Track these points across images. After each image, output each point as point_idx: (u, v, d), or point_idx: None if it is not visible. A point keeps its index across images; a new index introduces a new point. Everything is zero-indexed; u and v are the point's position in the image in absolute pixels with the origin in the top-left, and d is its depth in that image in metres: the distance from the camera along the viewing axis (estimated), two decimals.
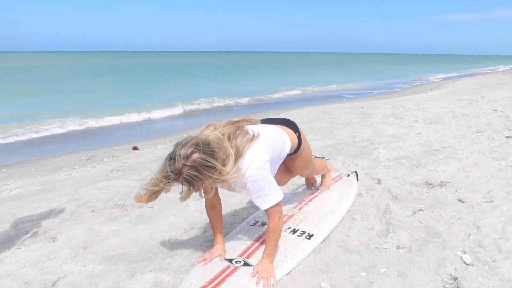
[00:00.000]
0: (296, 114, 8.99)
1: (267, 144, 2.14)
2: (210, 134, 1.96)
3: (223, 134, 1.96)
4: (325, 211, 2.93)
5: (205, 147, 1.83)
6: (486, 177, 3.81)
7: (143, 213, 3.18)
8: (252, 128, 2.16)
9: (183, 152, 1.81)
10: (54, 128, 9.08)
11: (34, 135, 8.44)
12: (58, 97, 14.88)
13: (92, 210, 3.28)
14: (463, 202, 3.19)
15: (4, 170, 5.69)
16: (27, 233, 2.83)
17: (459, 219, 2.88)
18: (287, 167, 2.71)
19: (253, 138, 2.07)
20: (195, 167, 1.80)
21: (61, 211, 3.30)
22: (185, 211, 3.18)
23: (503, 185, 3.56)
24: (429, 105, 9.29)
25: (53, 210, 3.32)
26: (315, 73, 31.80)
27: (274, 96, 15.95)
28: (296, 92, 17.34)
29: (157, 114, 11.29)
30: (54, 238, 2.76)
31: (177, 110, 11.98)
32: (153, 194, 1.96)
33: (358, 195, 3.40)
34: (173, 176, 1.82)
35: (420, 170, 4.10)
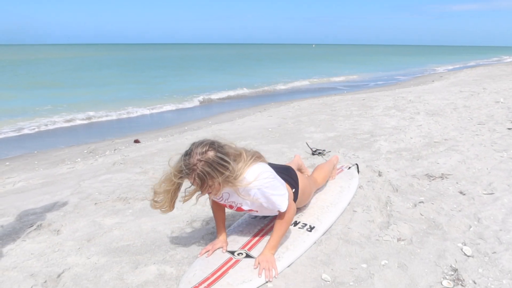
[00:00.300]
0: (297, 107, 8.98)
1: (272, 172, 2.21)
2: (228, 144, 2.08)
3: (237, 148, 2.12)
4: (326, 203, 2.95)
5: (219, 147, 1.96)
6: (487, 169, 3.82)
7: (146, 206, 3.20)
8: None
9: (199, 149, 1.91)
10: (56, 122, 9.09)
11: (36, 129, 8.46)
12: (61, 90, 14.88)
13: (95, 203, 3.30)
14: (464, 194, 3.21)
15: (7, 163, 5.72)
16: (31, 226, 2.86)
17: (460, 211, 2.90)
18: None
19: (260, 157, 2.19)
20: (209, 164, 1.89)
21: (64, 204, 3.33)
22: (187, 204, 3.19)
23: (504, 177, 3.57)
24: (430, 97, 9.27)
25: (57, 203, 3.35)
26: (317, 65, 31.68)
27: (278, 87, 15.93)
28: (299, 84, 17.28)
29: (159, 107, 11.29)
30: (58, 230, 2.79)
31: (180, 103, 11.97)
32: (167, 196, 2.06)
33: (359, 187, 3.42)
34: (186, 170, 1.90)
35: (421, 162, 4.11)
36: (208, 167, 1.89)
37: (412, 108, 7.65)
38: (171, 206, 2.12)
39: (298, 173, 2.73)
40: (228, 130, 6.61)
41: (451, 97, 9.11)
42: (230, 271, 2.14)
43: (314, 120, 6.91)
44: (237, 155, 2.04)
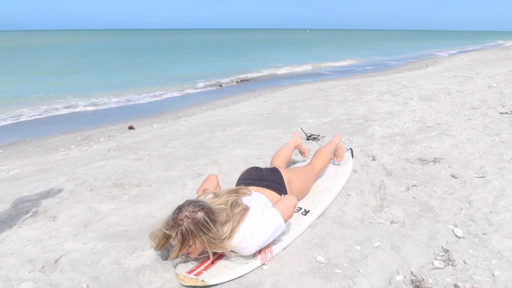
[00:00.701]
0: (292, 92, 8.97)
1: (255, 214, 2.21)
2: (216, 202, 2.12)
3: (226, 202, 2.13)
4: (321, 187, 2.99)
5: (209, 212, 2.00)
6: (479, 153, 3.87)
7: (142, 192, 3.22)
8: (245, 200, 2.27)
9: (191, 207, 1.99)
10: (49, 109, 9.01)
11: (29, 116, 8.39)
12: (52, 77, 14.70)
13: (91, 189, 3.31)
14: (456, 178, 3.26)
15: (0, 151, 5.69)
16: (27, 213, 2.87)
17: (451, 194, 2.95)
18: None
19: (246, 211, 2.17)
20: (195, 223, 1.94)
21: (60, 190, 3.33)
22: (183, 189, 3.22)
23: (495, 160, 3.62)
24: (424, 82, 9.30)
25: (52, 190, 3.35)
26: (313, 50, 31.50)
27: (273, 73, 15.86)
28: (294, 69, 17.20)
29: (154, 93, 11.20)
30: (54, 217, 2.80)
31: (175, 89, 11.88)
32: (155, 240, 2.12)
33: (353, 171, 3.45)
34: (172, 223, 1.98)
35: (414, 147, 4.15)
36: (193, 226, 1.94)
37: (406, 93, 7.68)
38: (157, 247, 2.15)
39: (294, 170, 2.80)
40: (222, 116, 6.61)
41: (444, 82, 9.14)
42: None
43: (309, 106, 6.91)
44: (225, 222, 2.05)
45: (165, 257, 2.23)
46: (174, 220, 1.97)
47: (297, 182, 2.71)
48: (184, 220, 1.95)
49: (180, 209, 2.00)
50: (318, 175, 3.05)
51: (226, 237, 2.02)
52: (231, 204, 2.12)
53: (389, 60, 21.31)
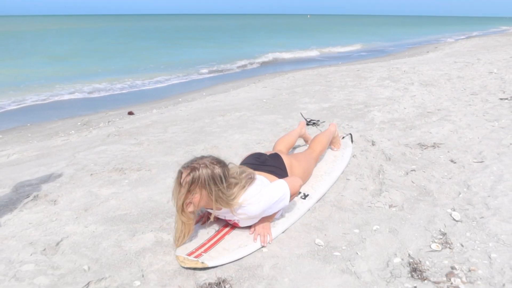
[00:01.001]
0: (292, 78, 8.93)
1: (261, 183, 2.27)
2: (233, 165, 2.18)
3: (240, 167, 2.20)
4: (320, 172, 3.00)
5: (226, 170, 2.04)
6: (478, 138, 3.88)
7: (142, 176, 3.23)
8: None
9: (212, 160, 2.02)
10: (50, 95, 8.98)
11: (27, 102, 8.36)
12: (50, 63, 14.61)
13: (91, 174, 3.32)
14: (455, 163, 3.27)
15: (0, 136, 5.69)
16: (28, 197, 2.88)
17: (450, 178, 2.96)
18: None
19: (253, 179, 2.21)
20: (210, 173, 1.95)
21: (60, 175, 3.35)
22: None
23: (494, 146, 3.63)
24: (425, 67, 9.25)
25: (52, 175, 3.36)
26: (314, 35, 31.22)
27: (272, 59, 15.76)
28: (296, 55, 17.07)
29: (154, 78, 11.14)
30: (55, 201, 2.82)
31: (174, 74, 11.81)
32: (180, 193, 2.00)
33: (353, 156, 3.46)
34: (189, 163, 1.99)
35: (414, 132, 4.15)
36: (207, 175, 1.95)
37: (406, 79, 7.65)
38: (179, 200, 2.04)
39: (294, 155, 2.81)
40: (222, 101, 6.59)
41: (445, 67, 9.09)
42: (226, 237, 2.20)
43: (309, 91, 6.89)
44: (234, 184, 2.08)
45: (165, 240, 2.25)
46: (192, 162, 1.99)
47: (298, 166, 2.72)
48: (202, 166, 1.96)
49: (202, 156, 2.04)
50: (317, 159, 3.06)
51: (234, 197, 2.05)
52: (239, 171, 2.17)
53: (396, 46, 21.13)
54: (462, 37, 27.65)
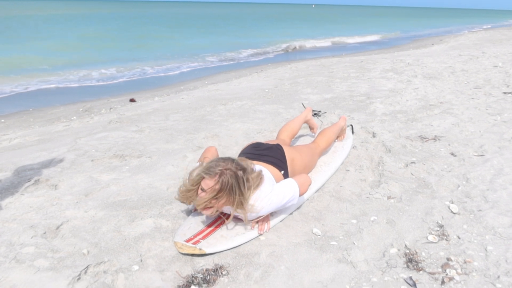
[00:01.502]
0: (294, 68, 8.89)
1: (269, 181, 2.28)
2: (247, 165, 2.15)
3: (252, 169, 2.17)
4: (320, 163, 3.01)
5: (246, 174, 2.06)
6: (479, 131, 3.87)
7: (142, 163, 3.25)
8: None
9: (234, 164, 2.03)
10: (50, 80, 8.98)
11: (30, 87, 8.37)
12: (60, 48, 14.56)
13: (92, 160, 3.34)
14: (455, 156, 3.27)
15: (3, 120, 5.71)
16: (29, 181, 2.91)
17: (449, 171, 2.96)
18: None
19: (263, 176, 2.20)
20: (236, 178, 1.98)
21: (61, 160, 3.37)
22: (183, 161, 3.25)
23: (495, 139, 3.62)
24: (429, 60, 9.19)
25: (53, 160, 3.38)
26: (319, 26, 30.94)
27: (277, 49, 15.67)
28: (301, 44, 16.95)
29: (156, 66, 11.11)
30: (56, 185, 2.84)
31: (176, 62, 11.77)
32: (192, 194, 2.10)
33: (353, 147, 3.46)
34: (215, 169, 1.98)
35: (415, 125, 4.15)
36: (234, 180, 1.97)
37: (410, 71, 7.60)
38: (188, 198, 2.15)
39: (297, 148, 2.78)
40: (224, 90, 6.58)
41: (449, 60, 9.03)
42: (225, 224, 2.21)
43: (311, 82, 6.86)
44: (250, 186, 2.08)
45: (164, 226, 2.27)
46: (218, 167, 1.99)
47: (300, 160, 2.69)
48: (228, 172, 1.97)
49: (223, 160, 2.03)
50: (321, 154, 3.05)
51: (249, 197, 2.06)
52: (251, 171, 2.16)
53: (398, 38, 20.96)
54: (478, 29, 27.38)
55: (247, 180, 2.03)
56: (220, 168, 1.99)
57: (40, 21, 29.57)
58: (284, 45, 16.19)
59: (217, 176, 1.97)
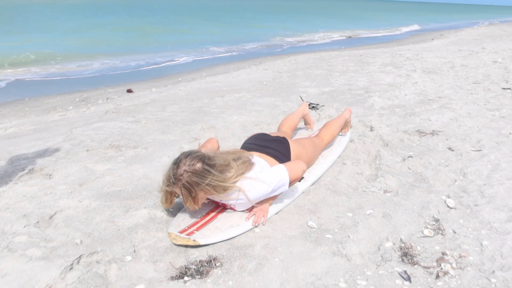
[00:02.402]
0: (293, 61, 8.84)
1: (260, 169, 2.25)
2: (215, 154, 2.14)
3: (227, 154, 2.18)
4: None
5: (206, 159, 2.02)
6: (477, 127, 3.85)
7: (138, 154, 3.22)
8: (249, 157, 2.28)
9: (188, 161, 2.00)
10: (47, 69, 8.90)
11: (26, 76, 8.29)
12: (60, 37, 14.44)
13: (87, 150, 3.31)
14: (453, 150, 3.25)
15: None
16: (23, 170, 2.88)
17: (447, 166, 2.95)
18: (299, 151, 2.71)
19: (252, 165, 2.20)
20: (197, 174, 1.96)
21: (56, 150, 3.34)
22: (179, 152, 3.19)
23: (493, 135, 3.61)
24: (428, 55, 9.15)
25: (48, 149, 3.35)
26: (317, 19, 30.76)
27: (275, 42, 15.57)
28: (300, 38, 16.86)
29: (154, 57, 11.03)
30: (50, 175, 2.82)
31: (175, 54, 11.67)
32: (167, 199, 2.16)
33: (350, 141, 3.44)
34: (173, 179, 1.98)
35: (413, 119, 4.13)
36: (195, 177, 1.96)
37: (409, 66, 7.57)
38: (167, 205, 2.19)
39: (302, 142, 2.74)
40: (222, 82, 6.53)
41: (449, 55, 9.00)
42: (219, 216, 2.20)
43: (310, 75, 6.83)
44: (225, 166, 2.06)
45: (158, 217, 2.25)
46: (175, 176, 1.98)
47: (305, 156, 2.67)
48: (184, 174, 1.97)
49: (177, 164, 2.01)
50: (324, 148, 3.02)
51: (231, 181, 2.04)
52: (233, 158, 2.15)
53: (397, 33, 20.85)
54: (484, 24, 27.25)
55: (213, 166, 2.01)
56: (175, 177, 1.98)
57: (48, 11, 29.28)
58: (290, 39, 16.07)
59: (178, 183, 1.98)
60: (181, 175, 1.97)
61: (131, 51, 11.59)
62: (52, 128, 4.14)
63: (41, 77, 8.41)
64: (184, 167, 1.98)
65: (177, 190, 2.02)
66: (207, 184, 1.98)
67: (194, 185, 1.97)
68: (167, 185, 2.04)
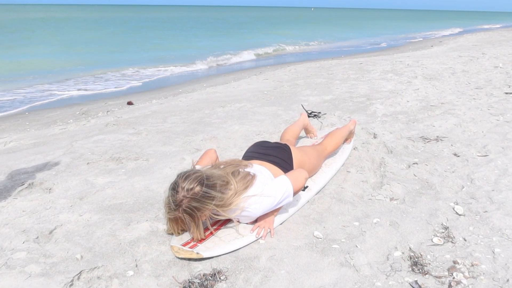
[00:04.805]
0: (294, 70, 8.84)
1: (262, 182, 2.18)
2: (214, 170, 2.06)
3: (225, 170, 2.09)
4: None
5: (205, 180, 1.94)
6: (482, 132, 3.81)
7: (139, 166, 3.18)
8: (250, 170, 2.22)
9: (186, 185, 1.91)
10: (47, 85, 8.92)
11: (27, 90, 8.30)
12: (59, 52, 14.53)
13: (88, 163, 3.27)
14: (458, 156, 3.20)
15: None
16: (23, 184, 2.84)
17: (453, 172, 2.90)
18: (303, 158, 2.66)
19: (253, 177, 2.14)
20: (196, 199, 1.90)
21: (56, 163, 3.30)
22: (180, 163, 3.18)
23: (499, 140, 3.56)
24: (428, 61, 9.14)
25: (48, 163, 3.32)
26: (318, 28, 30.96)
27: (277, 52, 15.65)
28: (299, 48, 16.94)
29: (154, 69, 11.07)
30: (50, 189, 2.77)
31: (174, 66, 11.73)
32: (173, 226, 2.06)
33: (354, 149, 3.40)
34: (174, 206, 1.91)
35: (416, 125, 4.09)
36: (195, 202, 1.90)
37: (410, 72, 7.55)
38: (177, 232, 2.09)
39: (305, 150, 2.70)
40: (223, 92, 6.52)
41: (449, 61, 8.98)
42: (223, 228, 2.15)
43: (310, 84, 6.81)
44: (224, 185, 2.00)
45: (160, 230, 2.20)
46: (175, 203, 1.91)
47: (308, 164, 2.62)
48: (184, 200, 1.89)
49: (175, 189, 1.92)
50: (327, 157, 2.98)
51: (232, 201, 1.98)
52: (232, 172, 2.09)
53: (397, 39, 20.95)
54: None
55: (212, 186, 1.93)
56: (175, 204, 1.91)
57: (52, 24, 29.51)
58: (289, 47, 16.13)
59: (179, 209, 1.91)
60: (181, 201, 1.90)
61: (130, 64, 11.62)
62: (52, 141, 4.11)
63: (43, 91, 8.40)
64: (182, 193, 1.89)
65: (181, 216, 1.94)
66: (208, 205, 1.93)
67: (195, 210, 1.91)
68: (169, 213, 1.97)
